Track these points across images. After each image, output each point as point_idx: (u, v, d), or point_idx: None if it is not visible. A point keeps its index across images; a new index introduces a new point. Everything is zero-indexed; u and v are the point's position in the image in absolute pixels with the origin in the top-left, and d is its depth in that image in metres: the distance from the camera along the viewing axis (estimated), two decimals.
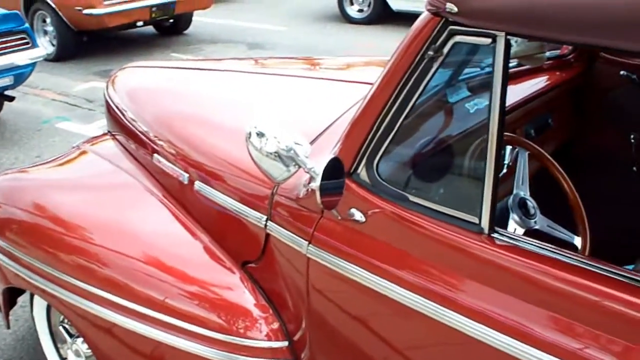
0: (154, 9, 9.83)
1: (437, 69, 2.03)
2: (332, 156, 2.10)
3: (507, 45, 1.87)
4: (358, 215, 2.22)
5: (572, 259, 1.82)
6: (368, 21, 11.91)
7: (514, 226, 2.44)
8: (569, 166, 3.52)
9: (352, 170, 2.28)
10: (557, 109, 3.37)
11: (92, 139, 3.87)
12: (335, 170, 2.08)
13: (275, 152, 2.25)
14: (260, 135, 2.28)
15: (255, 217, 2.61)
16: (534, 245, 1.90)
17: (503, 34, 1.86)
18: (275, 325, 2.62)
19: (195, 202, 2.97)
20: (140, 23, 9.77)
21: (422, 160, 2.23)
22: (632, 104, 3.36)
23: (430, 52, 2.00)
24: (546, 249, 1.88)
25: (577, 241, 2.57)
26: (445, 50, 2.00)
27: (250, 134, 2.32)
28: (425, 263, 2.07)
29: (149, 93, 3.68)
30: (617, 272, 1.75)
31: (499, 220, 2.43)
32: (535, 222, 2.48)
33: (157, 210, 3.11)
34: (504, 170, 2.70)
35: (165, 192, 3.14)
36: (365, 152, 2.23)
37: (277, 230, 2.53)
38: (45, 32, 9.97)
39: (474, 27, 1.92)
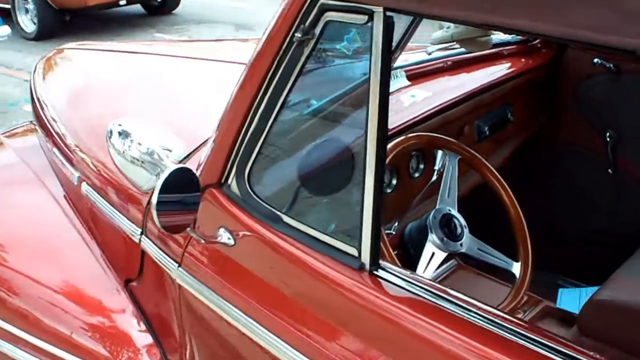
0: None
1: (308, 55, 1.58)
2: (178, 165, 1.64)
3: (388, 25, 1.40)
4: (226, 237, 1.78)
5: (480, 316, 1.36)
6: None
7: (431, 249, 1.98)
8: (532, 169, 3.06)
9: (223, 181, 1.82)
10: (518, 101, 2.89)
11: (14, 129, 3.45)
12: (184, 183, 1.62)
13: (139, 158, 1.81)
14: (125, 135, 1.83)
15: (131, 229, 2.18)
16: (427, 291, 1.44)
17: (381, 9, 1.39)
18: (157, 357, 2.19)
19: (85, 207, 2.54)
20: (123, 2, 9.34)
21: (298, 171, 1.76)
22: (608, 96, 2.89)
23: (299, 34, 1.54)
24: (444, 298, 1.42)
25: (516, 268, 2.10)
26: (317, 31, 1.54)
27: (110, 132, 1.87)
28: (296, 302, 1.62)
29: (60, 79, 3.25)
30: (546, 342, 1.29)
31: (419, 241, 1.98)
32: (461, 244, 2.02)
33: (48, 214, 2.68)
34: (433, 179, 2.22)
35: (64, 193, 2.72)
36: (235, 159, 1.77)
37: (150, 247, 2.09)
38: (27, 11, 9.57)
39: (347, 1, 1.45)
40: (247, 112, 1.71)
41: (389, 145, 2.05)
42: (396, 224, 2.21)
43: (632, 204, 2.95)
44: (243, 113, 1.72)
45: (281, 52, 1.61)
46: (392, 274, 1.51)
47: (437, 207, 2.08)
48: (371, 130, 1.42)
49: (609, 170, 2.93)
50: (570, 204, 3.10)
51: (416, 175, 2.45)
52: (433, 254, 1.99)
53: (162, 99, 2.70)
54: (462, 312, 1.40)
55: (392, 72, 2.56)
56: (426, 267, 1.96)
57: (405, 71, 2.61)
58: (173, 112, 2.56)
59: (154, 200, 1.59)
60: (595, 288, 2.40)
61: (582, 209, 3.08)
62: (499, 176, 2.21)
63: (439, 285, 1.50)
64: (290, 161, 1.85)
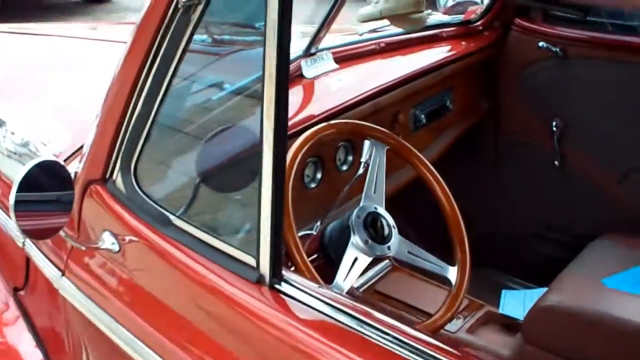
0: None
1: (196, 23, 1.31)
2: (42, 158, 1.36)
3: None
4: (109, 242, 1.50)
5: (398, 341, 1.11)
6: None
7: (354, 254, 1.73)
8: (474, 161, 2.84)
9: (107, 176, 1.54)
10: (458, 87, 2.65)
11: None
12: (52, 179, 1.35)
13: (14, 150, 1.53)
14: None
15: (14, 231, 1.88)
16: (338, 309, 1.18)
17: None
18: None
19: None
20: None
21: (191, 165, 1.49)
22: (555, 82, 2.68)
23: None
24: (357, 318, 1.17)
25: (452, 273, 1.86)
26: None
27: None
28: (185, 320, 1.35)
29: None
30: None
31: (341, 244, 1.73)
32: (389, 247, 1.77)
33: None
34: (360, 172, 1.97)
35: None
36: (119, 149, 1.50)
37: (34, 253, 1.81)
38: None
39: None
40: (130, 94, 1.44)
41: (306, 134, 1.80)
42: (319, 223, 1.95)
43: (580, 198, 2.75)
44: (125, 96, 1.45)
45: (165, 22, 1.34)
46: (297, 288, 1.25)
47: (361, 204, 1.83)
48: (267, 118, 1.16)
49: (556, 162, 2.72)
50: (516, 198, 2.89)
51: (344, 168, 2.21)
52: (356, 258, 1.74)
53: (63, 85, 2.41)
54: (377, 335, 1.15)
55: (318, 53, 2.31)
56: (347, 274, 1.71)
57: (333, 53, 2.35)
58: (73, 100, 2.28)
59: (11, 200, 1.31)
60: (541, 290, 2.19)
61: (528, 203, 2.86)
62: (432, 169, 1.97)
63: (352, 302, 1.25)
64: (182, 153, 1.58)
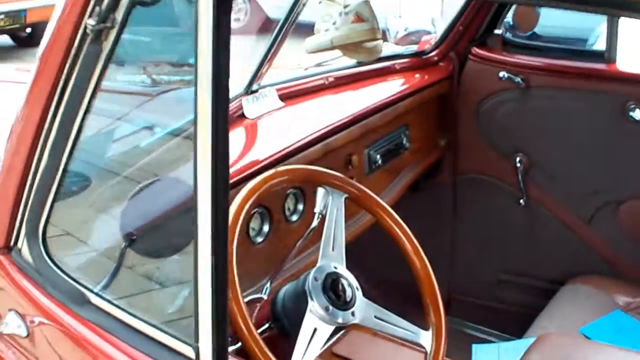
0: (1, 16, 8.69)
1: (109, 53, 1.04)
2: None
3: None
4: (15, 325, 1.21)
5: None
6: (244, 30, 10.87)
7: (313, 324, 1.46)
8: (434, 204, 2.61)
9: (11, 244, 1.25)
10: (414, 123, 2.43)
11: None
12: None
13: None
14: None
15: None
16: None
17: None
18: None
19: None
20: None
21: (110, 227, 1.21)
22: (516, 115, 2.48)
23: (92, 22, 1.00)
24: None
25: (426, 338, 1.60)
26: (119, 16, 1.01)
27: None
28: None
29: None
30: None
31: (297, 312, 1.46)
32: (353, 313, 1.50)
33: None
34: (314, 224, 1.71)
35: None
36: (24, 211, 1.21)
37: None
38: None
39: None
40: (34, 141, 1.16)
41: (252, 184, 1.54)
42: (268, 284, 1.69)
43: (548, 240, 2.55)
44: (28, 144, 1.17)
45: (72, 52, 1.07)
46: None
47: (318, 264, 1.56)
48: (202, 165, 0.90)
49: (521, 202, 2.51)
50: (479, 243, 2.67)
51: (294, 218, 1.95)
52: (315, 329, 1.47)
53: None
54: None
55: (261, 90, 2.06)
56: (307, 349, 1.44)
57: (277, 90, 2.11)
58: None
59: None
60: (515, 341, 1.95)
61: (492, 248, 2.65)
62: (399, 220, 1.73)
63: None
64: (101, 213, 1.30)
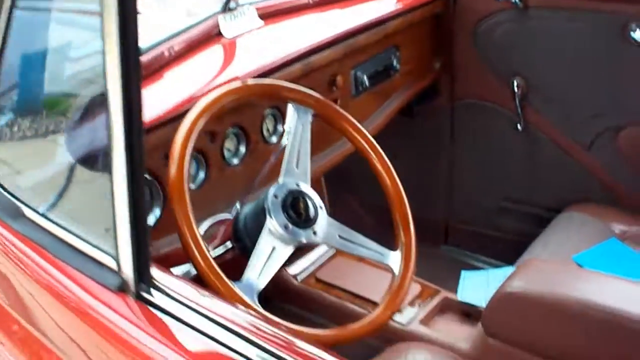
0: None
1: None
2: None
3: None
4: None
5: None
6: None
7: (270, 242, 1.41)
8: (427, 129, 2.54)
9: None
10: (406, 45, 2.34)
11: None
12: None
13: None
14: None
15: None
16: (222, 327, 0.87)
17: None
18: None
19: None
20: None
21: (46, 143, 1.17)
22: (515, 37, 2.38)
23: None
24: (242, 336, 0.86)
25: (394, 259, 1.55)
26: None
27: None
28: (33, 339, 1.03)
29: None
30: None
31: (257, 230, 1.42)
32: (315, 232, 1.45)
33: None
34: (284, 142, 1.65)
35: None
36: None
37: None
38: None
39: None
40: None
41: (207, 100, 1.48)
42: (238, 205, 1.64)
43: (546, 166, 2.46)
44: None
45: None
46: (172, 298, 0.93)
47: (279, 182, 1.51)
48: (111, 72, 0.84)
49: (518, 127, 2.42)
50: (475, 169, 2.60)
51: (274, 140, 1.90)
52: (274, 248, 1.42)
53: None
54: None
55: (239, 8, 1.99)
56: (263, 268, 1.40)
57: (257, 9, 2.03)
58: None
59: None
60: (506, 269, 1.89)
61: (489, 174, 2.58)
62: (368, 136, 1.66)
63: (246, 317, 0.93)
64: (31, 123, 1.25)
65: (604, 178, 2.38)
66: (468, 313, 1.99)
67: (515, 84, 2.42)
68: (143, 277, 0.95)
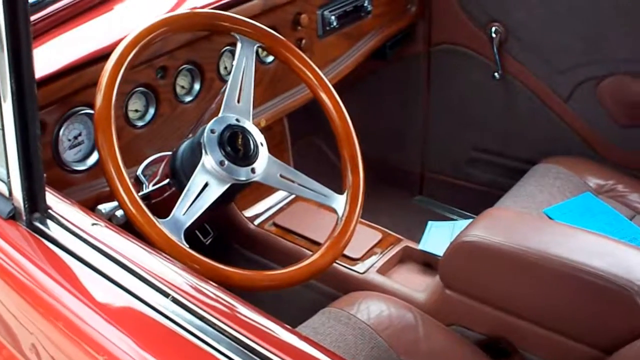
0: None
1: None
2: None
3: None
4: None
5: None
6: None
7: (204, 179, 1.34)
8: (399, 75, 2.46)
9: None
10: None
11: None
12: None
13: None
14: None
15: None
16: (112, 259, 0.81)
17: None
18: None
19: None
20: None
21: None
22: None
23: None
24: (129, 268, 0.80)
25: (339, 201, 1.48)
26: None
27: None
28: None
29: None
30: None
31: (192, 167, 1.35)
32: (253, 170, 1.38)
33: None
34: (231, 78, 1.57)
35: None
36: None
37: None
38: None
39: None
40: None
41: (139, 30, 1.40)
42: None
43: (523, 116, 2.38)
44: None
45: None
46: (65, 228, 0.86)
47: (218, 116, 1.43)
48: None
49: (495, 75, 2.33)
50: (450, 117, 2.51)
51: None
52: (207, 184, 1.35)
53: None
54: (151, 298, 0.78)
55: None
56: (191, 205, 1.33)
57: None
58: None
59: None
60: (470, 219, 1.83)
61: (464, 123, 2.50)
62: (315, 69, 1.58)
63: (139, 250, 0.86)
64: None
65: (582, 130, 2.30)
66: (429, 264, 1.94)
67: (493, 30, 2.33)
68: (36, 206, 0.88)
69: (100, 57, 1.40)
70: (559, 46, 2.26)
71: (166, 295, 0.82)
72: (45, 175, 0.92)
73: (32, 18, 1.52)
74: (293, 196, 2.04)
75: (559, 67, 2.29)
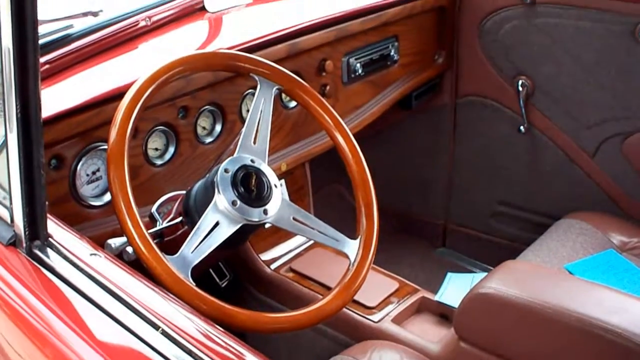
0: None
1: None
2: None
3: None
4: None
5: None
6: None
7: (215, 217, 1.34)
8: (425, 125, 2.45)
9: None
10: (406, 36, 2.26)
11: None
12: None
13: None
14: None
15: None
16: (109, 292, 0.81)
17: None
18: None
19: None
20: None
21: None
22: (521, 35, 2.28)
23: None
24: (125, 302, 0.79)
25: (351, 246, 1.47)
26: None
27: None
28: None
29: None
30: None
31: (205, 205, 1.35)
32: (265, 211, 1.37)
33: None
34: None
35: None
36: None
37: None
38: None
39: None
40: None
41: (157, 69, 1.41)
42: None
43: (549, 171, 2.36)
44: None
45: None
46: (65, 258, 0.86)
47: (234, 156, 1.44)
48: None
49: (521, 129, 2.32)
50: (475, 170, 2.50)
51: None
52: (217, 223, 1.35)
53: None
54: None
55: None
56: (200, 243, 1.32)
57: None
58: None
59: None
60: (490, 272, 1.80)
61: (489, 176, 2.48)
62: (335, 114, 1.58)
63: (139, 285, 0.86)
64: None
65: (607, 186, 2.27)
66: (445, 315, 1.91)
67: (520, 83, 2.32)
68: (37, 234, 0.89)
69: (121, 94, 1.41)
70: (586, 101, 2.25)
71: (156, 327, 0.81)
72: (47, 203, 0.92)
73: (57, 53, 1.55)
74: (311, 242, 2.03)
75: (586, 122, 2.27)
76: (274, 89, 1.53)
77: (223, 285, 1.77)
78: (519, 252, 2.06)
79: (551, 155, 2.35)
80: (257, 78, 1.53)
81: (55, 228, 0.95)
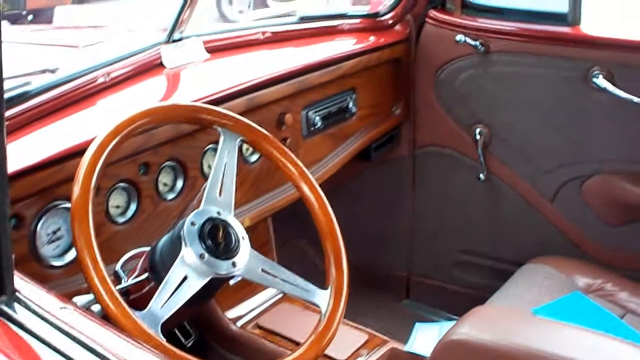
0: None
1: None
2: None
3: None
4: None
5: None
6: None
7: (183, 272, 1.31)
8: (384, 177, 2.46)
9: None
10: (363, 88, 2.27)
11: None
12: None
13: None
14: None
15: None
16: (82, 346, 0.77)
17: None
18: None
19: None
20: None
21: None
22: (476, 83, 2.30)
23: None
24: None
25: (322, 297, 1.44)
26: None
27: None
28: None
29: None
30: None
31: (171, 260, 1.32)
32: (234, 263, 1.35)
33: None
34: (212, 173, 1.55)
35: None
36: None
37: None
38: None
39: None
40: None
41: (118, 122, 1.39)
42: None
43: (509, 218, 2.37)
44: None
45: None
46: (34, 312, 0.83)
47: (199, 209, 1.41)
48: None
49: (480, 176, 2.33)
50: (436, 221, 2.50)
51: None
52: (185, 277, 1.32)
53: None
54: None
55: (185, 40, 1.92)
56: (169, 299, 1.29)
57: (206, 42, 1.96)
58: None
59: None
60: (457, 320, 1.79)
61: (449, 226, 2.48)
62: (301, 166, 1.57)
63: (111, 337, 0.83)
64: None
65: (568, 230, 2.29)
66: None
67: (477, 131, 2.34)
68: (4, 289, 0.85)
69: (82, 150, 1.38)
70: (543, 147, 2.27)
71: None
72: (14, 256, 0.89)
73: (15, 110, 1.52)
74: (278, 297, 2.00)
75: (543, 168, 2.29)
76: (238, 140, 1.52)
77: (189, 345, 1.72)
78: (484, 300, 2.06)
79: (512, 201, 2.36)
80: (220, 130, 1.51)
81: (22, 283, 0.92)
